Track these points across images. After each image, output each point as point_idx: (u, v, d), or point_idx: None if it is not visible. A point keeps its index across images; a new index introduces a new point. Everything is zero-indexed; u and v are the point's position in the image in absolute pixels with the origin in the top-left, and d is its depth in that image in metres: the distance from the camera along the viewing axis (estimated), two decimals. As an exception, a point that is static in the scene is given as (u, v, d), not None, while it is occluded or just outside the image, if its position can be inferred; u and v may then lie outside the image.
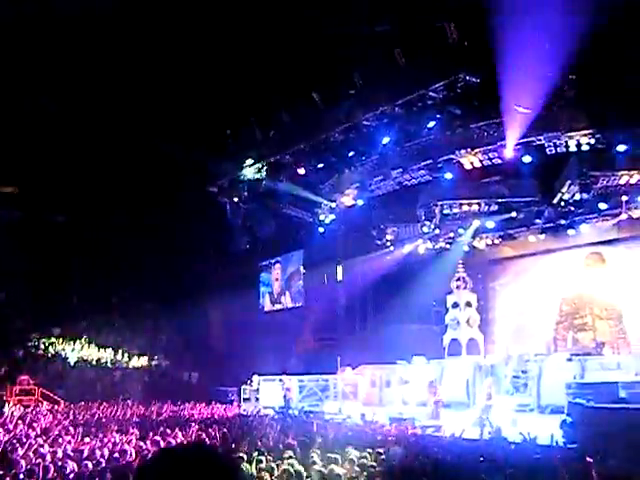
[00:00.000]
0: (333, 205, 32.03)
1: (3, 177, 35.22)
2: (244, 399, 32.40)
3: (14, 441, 14.98)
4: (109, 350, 36.73)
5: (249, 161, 30.83)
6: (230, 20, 26.68)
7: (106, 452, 13.86)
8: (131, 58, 29.11)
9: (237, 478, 1.86)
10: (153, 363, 37.94)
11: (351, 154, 28.84)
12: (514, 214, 28.39)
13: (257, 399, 31.91)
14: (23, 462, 11.61)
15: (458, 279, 30.25)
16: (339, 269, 33.94)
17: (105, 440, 16.42)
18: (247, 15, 26.27)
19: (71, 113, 32.26)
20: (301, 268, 36.27)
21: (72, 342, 35.96)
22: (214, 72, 29.00)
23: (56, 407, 28.69)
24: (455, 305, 29.79)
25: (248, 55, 27.58)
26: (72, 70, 29.69)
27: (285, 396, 29.11)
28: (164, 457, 2.06)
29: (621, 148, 22.56)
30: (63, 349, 35.52)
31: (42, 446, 14.39)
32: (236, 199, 33.00)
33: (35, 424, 20.02)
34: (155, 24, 27.16)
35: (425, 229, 29.81)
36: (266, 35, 26.54)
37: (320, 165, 30.10)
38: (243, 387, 32.68)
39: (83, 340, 36.36)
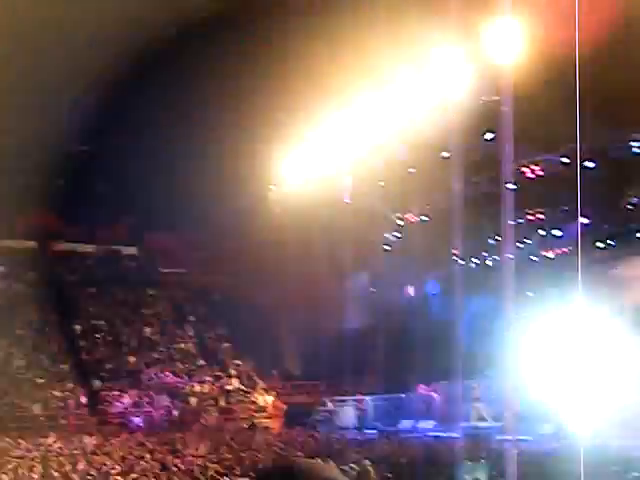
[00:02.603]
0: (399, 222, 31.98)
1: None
2: (319, 421, 32.30)
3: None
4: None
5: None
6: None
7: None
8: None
9: None
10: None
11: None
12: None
13: (333, 421, 31.78)
14: None
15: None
16: (408, 287, 33.71)
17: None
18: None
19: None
20: (371, 287, 36.15)
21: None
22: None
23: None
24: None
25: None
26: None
27: (359, 416, 29.05)
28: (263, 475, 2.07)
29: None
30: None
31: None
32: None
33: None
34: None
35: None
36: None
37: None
38: (317, 409, 32.60)
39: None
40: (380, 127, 27.50)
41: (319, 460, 1.95)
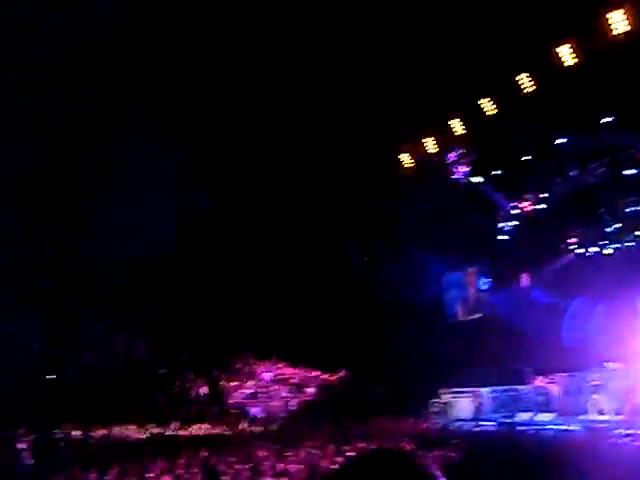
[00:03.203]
0: (514, 211, 31.46)
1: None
2: (434, 413, 32.14)
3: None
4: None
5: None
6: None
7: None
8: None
9: None
10: (340, 377, 38.45)
11: (526, 158, 28.30)
12: None
13: (448, 412, 31.59)
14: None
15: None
16: (524, 276, 33.10)
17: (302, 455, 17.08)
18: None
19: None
20: (484, 278, 35.72)
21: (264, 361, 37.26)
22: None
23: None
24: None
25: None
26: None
27: (475, 408, 28.75)
28: (362, 461, 2.11)
29: None
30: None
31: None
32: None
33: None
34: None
35: (609, 229, 28.59)
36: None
37: (496, 172, 29.78)
38: (432, 401, 32.45)
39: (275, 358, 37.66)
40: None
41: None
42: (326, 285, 37.44)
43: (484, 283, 35.91)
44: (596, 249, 30.58)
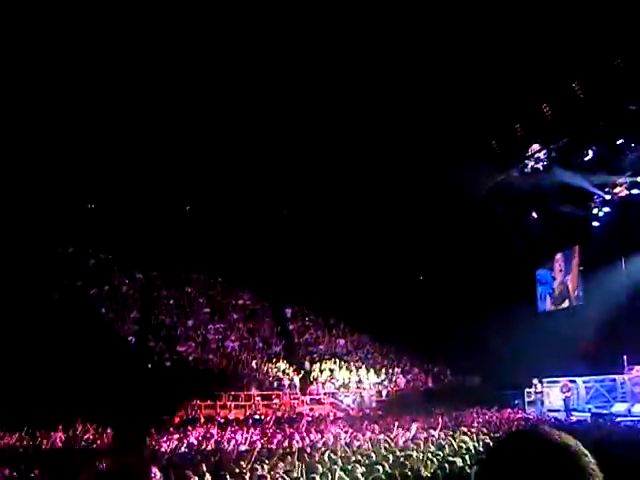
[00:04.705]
0: (607, 197, 30.70)
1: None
2: (528, 403, 31.76)
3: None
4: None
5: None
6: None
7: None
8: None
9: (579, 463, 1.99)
10: (435, 369, 38.46)
11: (620, 142, 27.59)
12: None
13: (542, 403, 31.15)
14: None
15: None
16: (620, 264, 32.21)
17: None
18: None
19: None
20: (578, 265, 34.99)
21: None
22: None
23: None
24: None
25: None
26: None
27: (566, 399, 28.28)
28: (517, 437, 2.13)
29: None
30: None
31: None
32: (506, 201, 32.91)
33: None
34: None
35: None
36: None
37: (589, 156, 29.15)
38: (527, 391, 32.04)
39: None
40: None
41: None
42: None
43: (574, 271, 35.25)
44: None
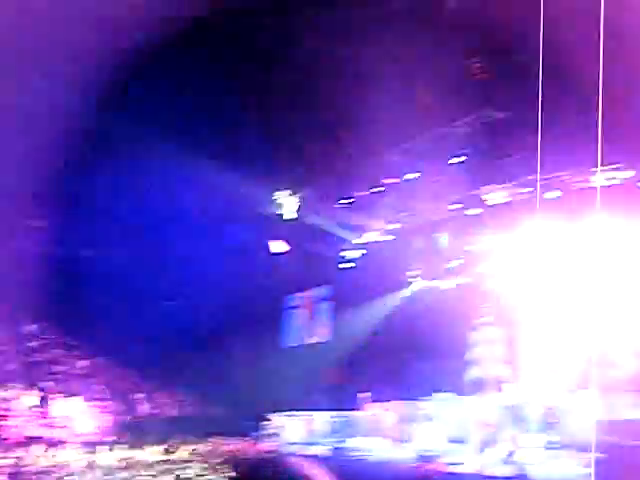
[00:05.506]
0: (360, 241, 32.13)
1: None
2: (267, 435, 32.04)
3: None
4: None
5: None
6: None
7: None
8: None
9: None
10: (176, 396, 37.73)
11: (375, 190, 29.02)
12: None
13: (280, 435, 31.58)
14: None
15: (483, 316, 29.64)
16: (366, 306, 33.70)
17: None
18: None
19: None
20: (327, 304, 36.17)
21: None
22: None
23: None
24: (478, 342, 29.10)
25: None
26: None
27: (308, 432, 28.92)
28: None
29: None
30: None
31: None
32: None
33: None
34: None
35: (450, 265, 29.54)
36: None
37: (345, 201, 30.34)
38: (266, 423, 32.33)
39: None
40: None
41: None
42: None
43: (323, 309, 36.41)
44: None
